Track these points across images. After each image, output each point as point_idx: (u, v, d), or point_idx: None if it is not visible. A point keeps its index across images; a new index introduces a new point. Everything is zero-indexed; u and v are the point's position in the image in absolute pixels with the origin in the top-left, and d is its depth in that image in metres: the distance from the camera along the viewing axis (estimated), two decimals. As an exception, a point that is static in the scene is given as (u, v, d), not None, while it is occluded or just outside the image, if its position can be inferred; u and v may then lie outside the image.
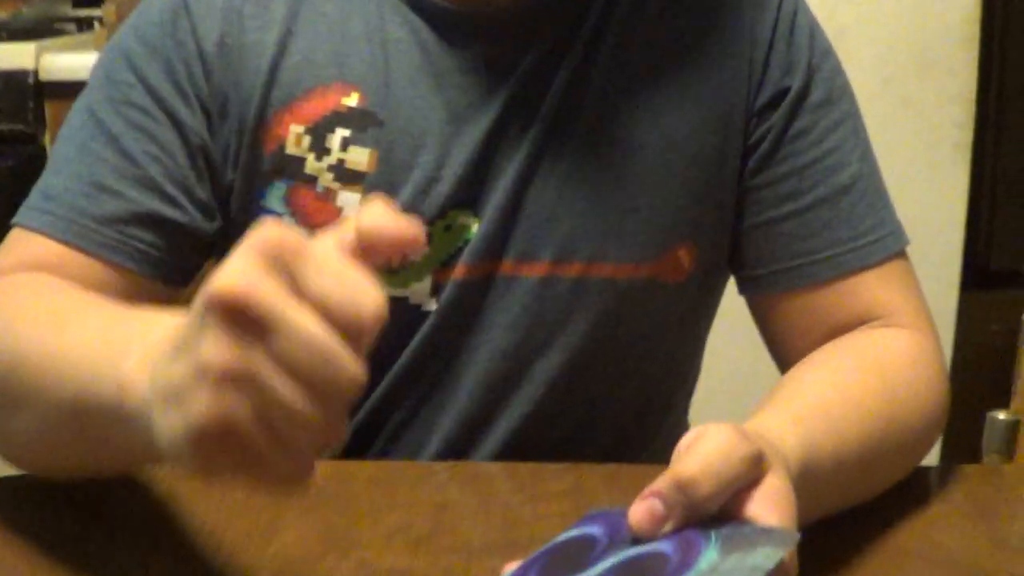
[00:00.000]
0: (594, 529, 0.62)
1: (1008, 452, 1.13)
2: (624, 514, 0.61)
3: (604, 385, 0.97)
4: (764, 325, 0.99)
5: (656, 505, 0.60)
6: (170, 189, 0.90)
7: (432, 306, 0.93)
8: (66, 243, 0.88)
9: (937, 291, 2.12)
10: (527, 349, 0.94)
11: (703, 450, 0.61)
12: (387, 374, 0.95)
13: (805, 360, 0.90)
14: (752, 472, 0.62)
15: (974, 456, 1.20)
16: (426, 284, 0.92)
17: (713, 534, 0.60)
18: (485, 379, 0.94)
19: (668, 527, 0.60)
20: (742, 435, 0.63)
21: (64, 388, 0.68)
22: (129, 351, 0.60)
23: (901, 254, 0.96)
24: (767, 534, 0.60)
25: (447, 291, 0.92)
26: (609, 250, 0.92)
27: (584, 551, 0.61)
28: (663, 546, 0.59)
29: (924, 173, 2.11)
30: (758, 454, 0.63)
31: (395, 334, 0.93)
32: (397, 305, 0.92)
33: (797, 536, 0.60)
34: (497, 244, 0.92)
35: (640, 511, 0.60)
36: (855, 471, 0.80)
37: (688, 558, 0.58)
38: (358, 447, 0.97)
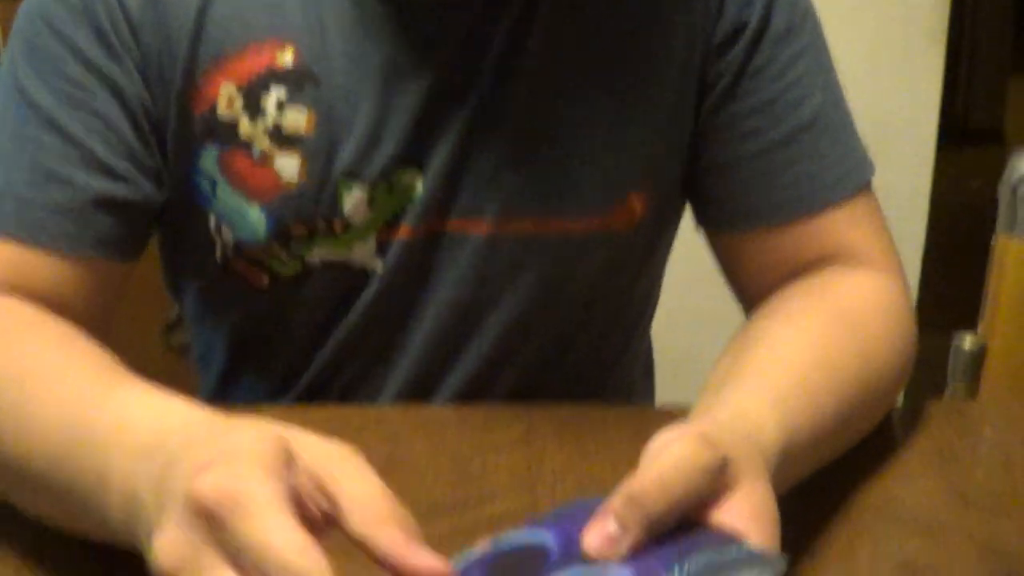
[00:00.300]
0: (547, 537, 0.59)
1: (974, 379, 1.11)
2: (579, 519, 0.58)
3: (557, 334, 0.94)
4: (724, 262, 0.95)
5: (610, 525, 0.56)
6: (119, 166, 0.84)
7: (377, 266, 0.89)
8: (21, 241, 0.83)
9: (915, 147, 2.09)
10: (477, 304, 0.91)
11: (659, 462, 0.58)
12: (334, 334, 0.92)
13: (774, 309, 0.86)
14: (713, 482, 0.59)
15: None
16: (371, 245, 0.88)
17: (677, 568, 0.55)
18: (435, 335, 0.91)
19: (625, 545, 0.56)
20: (706, 442, 0.59)
21: (40, 472, 0.68)
22: (109, 493, 0.61)
23: (866, 187, 0.92)
24: (748, 560, 0.56)
25: (392, 251, 0.88)
26: (558, 205, 0.88)
27: (533, 563, 0.58)
28: (620, 572, 0.56)
29: (898, 58, 2.06)
30: (720, 462, 0.59)
31: (340, 296, 0.90)
32: (341, 268, 0.89)
33: (784, 562, 0.56)
34: (442, 202, 0.87)
35: (594, 533, 0.57)
36: (830, 440, 0.77)
37: None
38: (308, 407, 0.94)
